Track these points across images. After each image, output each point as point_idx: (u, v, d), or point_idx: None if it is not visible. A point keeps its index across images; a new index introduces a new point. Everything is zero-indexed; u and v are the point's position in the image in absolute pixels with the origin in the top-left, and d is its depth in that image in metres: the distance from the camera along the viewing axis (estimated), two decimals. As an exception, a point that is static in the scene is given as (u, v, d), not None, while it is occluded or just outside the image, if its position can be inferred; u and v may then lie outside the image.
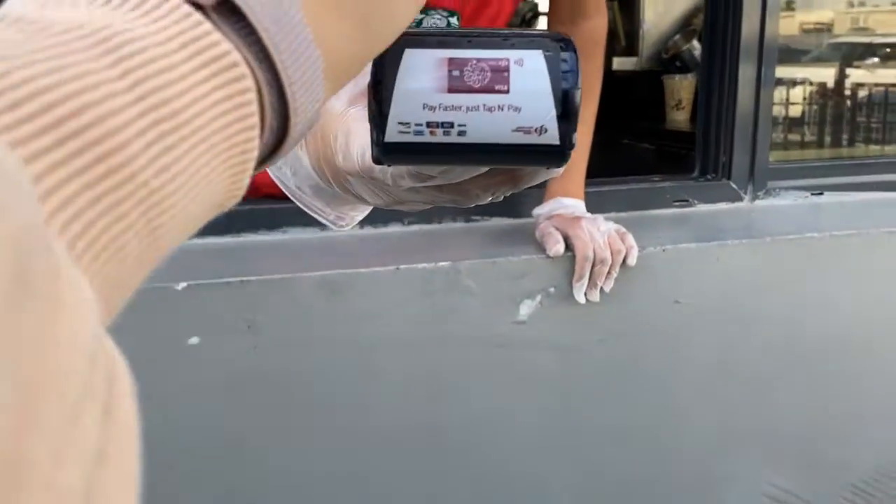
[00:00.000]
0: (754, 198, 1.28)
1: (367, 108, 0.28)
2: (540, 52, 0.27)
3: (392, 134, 0.27)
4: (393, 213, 1.07)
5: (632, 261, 1.00)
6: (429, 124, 0.27)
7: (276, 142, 0.22)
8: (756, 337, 1.11)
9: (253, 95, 0.20)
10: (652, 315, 1.05)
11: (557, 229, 1.00)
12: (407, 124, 0.27)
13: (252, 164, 0.21)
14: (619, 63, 2.52)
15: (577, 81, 0.27)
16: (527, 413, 1.03)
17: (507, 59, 0.27)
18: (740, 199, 1.27)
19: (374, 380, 0.97)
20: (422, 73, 0.27)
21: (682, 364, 1.09)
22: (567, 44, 0.27)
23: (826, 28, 1.55)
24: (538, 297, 1.00)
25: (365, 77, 0.27)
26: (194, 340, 0.89)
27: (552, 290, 1.00)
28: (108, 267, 0.16)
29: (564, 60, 0.27)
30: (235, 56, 0.20)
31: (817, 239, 1.12)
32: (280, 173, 0.44)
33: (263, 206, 1.04)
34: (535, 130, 0.27)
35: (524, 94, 0.27)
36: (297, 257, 0.98)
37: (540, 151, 0.28)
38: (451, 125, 0.27)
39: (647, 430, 1.09)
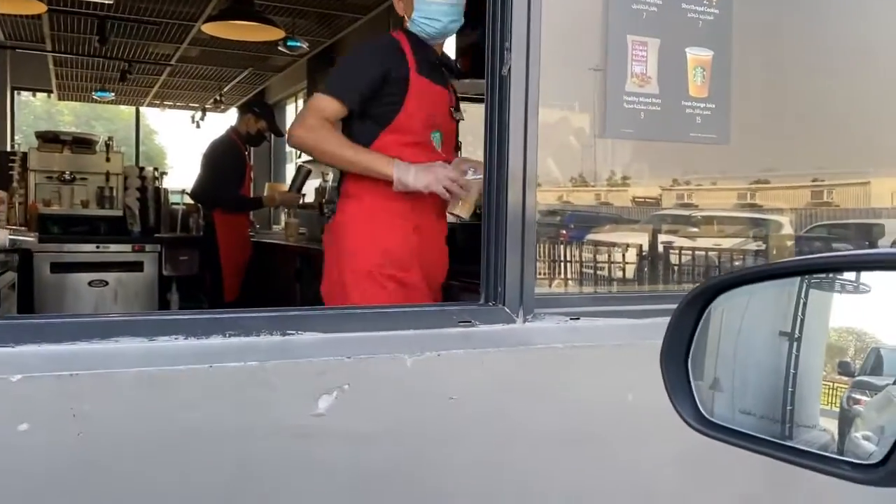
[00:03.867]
0: (524, 320, 1.58)
1: None
2: None
3: None
4: (214, 326, 1.27)
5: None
6: None
7: None
8: (520, 431, 1.36)
9: None
10: (431, 409, 1.29)
11: None
12: None
13: None
14: (451, 218, 2.94)
15: None
16: (319, 496, 1.21)
17: None
18: (513, 321, 1.57)
19: (185, 466, 1.12)
20: None
21: (456, 455, 1.31)
22: None
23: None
24: (335, 393, 1.21)
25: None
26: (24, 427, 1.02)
27: (346, 386, 1.22)
28: None
29: None
30: None
31: (563, 349, 1.42)
32: None
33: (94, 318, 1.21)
34: None
35: None
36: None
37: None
38: None
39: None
